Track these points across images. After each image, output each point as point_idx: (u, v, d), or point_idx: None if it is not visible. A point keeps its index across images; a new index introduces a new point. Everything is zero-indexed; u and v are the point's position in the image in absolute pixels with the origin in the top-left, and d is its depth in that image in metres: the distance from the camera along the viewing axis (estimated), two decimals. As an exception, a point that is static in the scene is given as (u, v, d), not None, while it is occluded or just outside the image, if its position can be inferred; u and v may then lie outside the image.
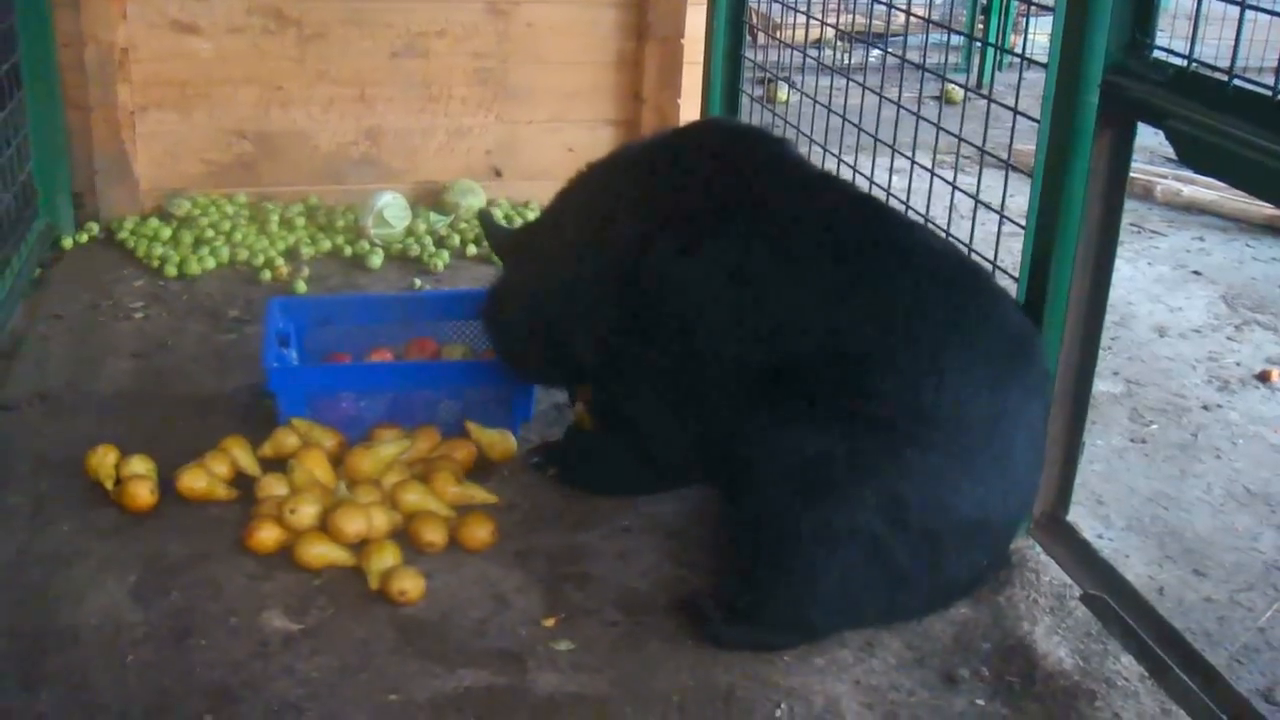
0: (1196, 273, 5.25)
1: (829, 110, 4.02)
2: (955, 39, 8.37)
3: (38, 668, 2.61)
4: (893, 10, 4.03)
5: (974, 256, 3.06)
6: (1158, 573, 3.13)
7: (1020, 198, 3.11)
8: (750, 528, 2.78)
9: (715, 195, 3.00)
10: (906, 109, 3.67)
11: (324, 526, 3.01)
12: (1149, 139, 5.86)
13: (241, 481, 3.26)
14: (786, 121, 4.30)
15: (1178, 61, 2.58)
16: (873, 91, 3.82)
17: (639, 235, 3.02)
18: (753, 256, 2.87)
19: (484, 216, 3.79)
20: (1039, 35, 8.22)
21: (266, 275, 4.65)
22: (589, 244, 3.13)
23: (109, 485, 3.19)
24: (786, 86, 4.66)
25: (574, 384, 3.50)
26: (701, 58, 4.70)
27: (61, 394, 3.74)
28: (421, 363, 3.73)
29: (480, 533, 3.07)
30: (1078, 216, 2.79)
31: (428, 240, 4.98)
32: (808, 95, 4.21)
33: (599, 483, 3.33)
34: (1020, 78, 3.31)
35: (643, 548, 3.12)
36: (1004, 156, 3.28)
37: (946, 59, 8.35)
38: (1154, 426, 3.88)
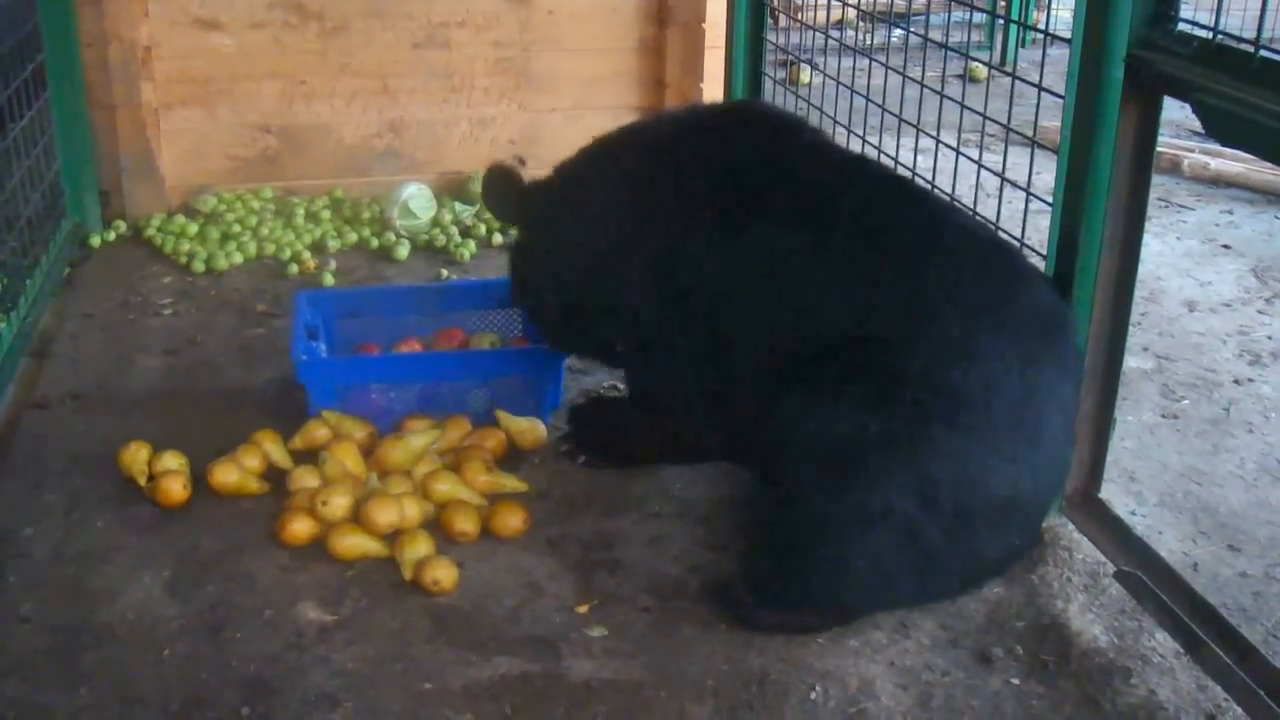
0: (1226, 246, 5.21)
1: (852, 91, 4.01)
2: (978, 16, 8.32)
3: (76, 663, 2.63)
4: (914, -11, 4.01)
5: (1002, 235, 3.04)
6: (1192, 549, 3.12)
7: (1046, 175, 3.10)
8: (781, 510, 2.78)
9: (750, 182, 2.99)
10: (930, 88, 3.65)
11: (356, 518, 3.02)
12: (1175, 112, 5.82)
13: (273, 474, 3.27)
14: (810, 103, 4.28)
15: (1203, 34, 2.56)
16: (896, 71, 3.81)
17: (675, 228, 3.01)
18: (787, 242, 2.86)
19: (492, 177, 3.51)
20: (1062, 11, 8.19)
21: (294, 269, 4.67)
22: (624, 236, 3.11)
23: (142, 481, 3.21)
24: (809, 68, 4.65)
25: (601, 356, 3.49)
26: (723, 41, 4.69)
27: (93, 392, 3.76)
28: (450, 352, 3.74)
29: (512, 521, 3.08)
30: (1105, 192, 2.78)
31: (453, 231, 4.99)
32: (830, 77, 4.20)
33: (629, 457, 3.36)
34: (1044, 54, 3.28)
35: (674, 533, 3.12)
36: (1029, 134, 3.26)
37: (969, 37, 8.30)
38: (1185, 402, 3.85)
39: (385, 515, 3.00)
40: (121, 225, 4.98)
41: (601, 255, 3.16)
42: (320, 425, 3.37)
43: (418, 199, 4.99)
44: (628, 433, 3.37)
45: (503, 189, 3.48)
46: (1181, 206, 5.70)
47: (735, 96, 4.59)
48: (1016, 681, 2.63)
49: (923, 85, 3.67)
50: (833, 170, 3.03)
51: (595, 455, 3.39)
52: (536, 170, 5.37)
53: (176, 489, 3.15)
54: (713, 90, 5.13)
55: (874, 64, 3.98)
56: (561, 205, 3.35)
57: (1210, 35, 2.54)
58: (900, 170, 3.38)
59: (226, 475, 3.19)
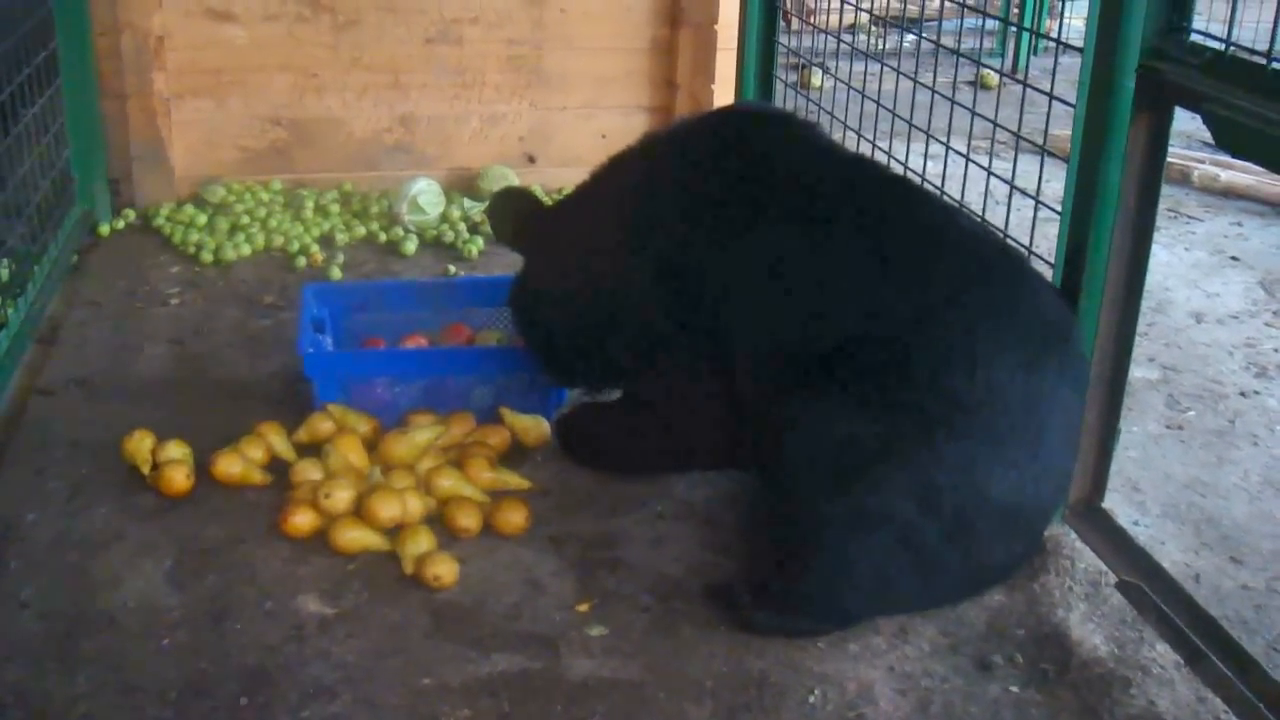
0: (1234, 258, 5.20)
1: (863, 96, 4.01)
2: (990, 24, 8.31)
3: (75, 650, 2.63)
4: (927, -5, 4.01)
5: (1009, 242, 3.04)
6: (1194, 560, 3.11)
7: (1056, 183, 3.09)
8: (783, 513, 2.78)
9: (748, 184, 2.99)
10: (941, 94, 3.65)
11: (359, 511, 3.02)
12: (1186, 123, 5.81)
13: (276, 466, 3.28)
14: (821, 107, 4.28)
15: (1215, 45, 2.56)
16: (907, 77, 3.80)
17: (676, 231, 3.01)
18: (787, 244, 2.87)
19: (499, 200, 3.56)
20: (1074, 19, 8.19)
21: (301, 261, 4.67)
22: (627, 245, 3.11)
23: (145, 470, 3.22)
24: (821, 72, 4.65)
25: (610, 381, 3.48)
26: (735, 44, 4.68)
27: (99, 380, 3.77)
28: (456, 348, 3.74)
29: (514, 518, 3.08)
30: (1114, 202, 2.77)
31: (461, 227, 4.99)
32: (842, 81, 4.19)
33: (622, 465, 3.34)
34: (1056, 62, 3.28)
35: (676, 533, 3.12)
36: (1040, 142, 3.26)
37: (981, 44, 8.29)
38: (1190, 413, 3.85)
39: (387, 509, 3.00)
40: (130, 214, 4.99)
41: (608, 272, 3.16)
42: (324, 418, 3.38)
43: (427, 194, 4.99)
44: (623, 442, 3.36)
45: (508, 213, 3.49)
46: (1190, 217, 5.69)
47: (746, 98, 4.59)
48: (1015, 689, 2.63)
49: (934, 91, 3.67)
50: (832, 169, 3.03)
51: (589, 464, 3.38)
52: (545, 166, 5.43)
53: (179, 478, 3.15)
54: (724, 92, 5.13)
55: (885, 69, 3.98)
56: (565, 228, 3.37)
57: (1222, 47, 2.53)
58: (910, 176, 3.38)
59: (230, 466, 3.20)
